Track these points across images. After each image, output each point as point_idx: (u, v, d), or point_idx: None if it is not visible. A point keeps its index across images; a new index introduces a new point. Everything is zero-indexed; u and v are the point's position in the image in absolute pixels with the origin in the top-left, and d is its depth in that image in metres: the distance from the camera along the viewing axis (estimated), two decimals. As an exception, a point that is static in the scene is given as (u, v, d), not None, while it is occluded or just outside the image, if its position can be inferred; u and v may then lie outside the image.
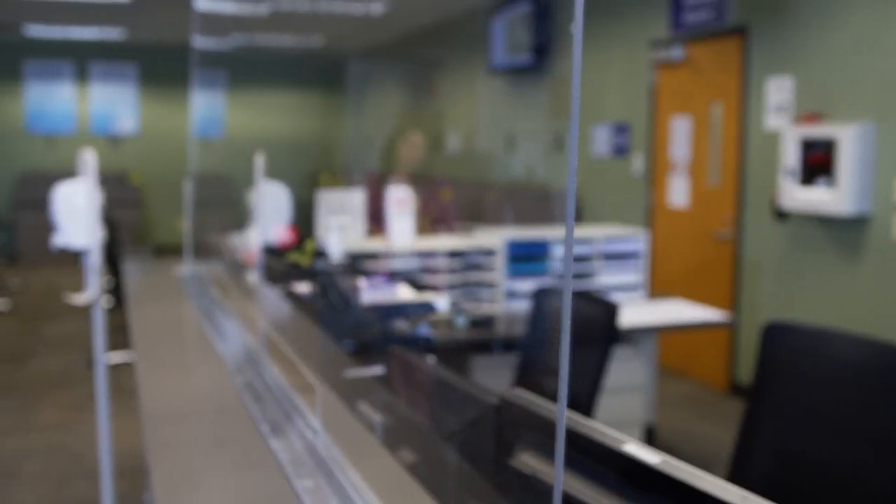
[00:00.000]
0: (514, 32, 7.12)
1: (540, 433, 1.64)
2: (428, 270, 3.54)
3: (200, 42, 4.43)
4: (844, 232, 4.48)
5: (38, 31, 11.25)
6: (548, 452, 1.60)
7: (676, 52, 5.74)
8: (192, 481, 1.59)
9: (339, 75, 10.59)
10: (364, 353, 2.27)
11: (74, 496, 4.12)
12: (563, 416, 1.01)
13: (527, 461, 1.62)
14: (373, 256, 3.23)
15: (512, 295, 3.76)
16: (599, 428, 1.40)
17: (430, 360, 2.30)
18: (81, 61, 12.40)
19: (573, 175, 0.96)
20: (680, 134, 5.82)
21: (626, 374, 3.82)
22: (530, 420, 1.67)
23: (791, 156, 4.60)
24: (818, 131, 4.48)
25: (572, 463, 1.48)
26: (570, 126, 0.95)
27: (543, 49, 6.86)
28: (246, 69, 11.60)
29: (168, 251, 11.78)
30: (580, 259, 3.89)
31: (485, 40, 7.38)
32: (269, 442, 1.73)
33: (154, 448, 1.72)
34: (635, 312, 3.71)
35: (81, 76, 12.46)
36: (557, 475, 0.98)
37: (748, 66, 5.15)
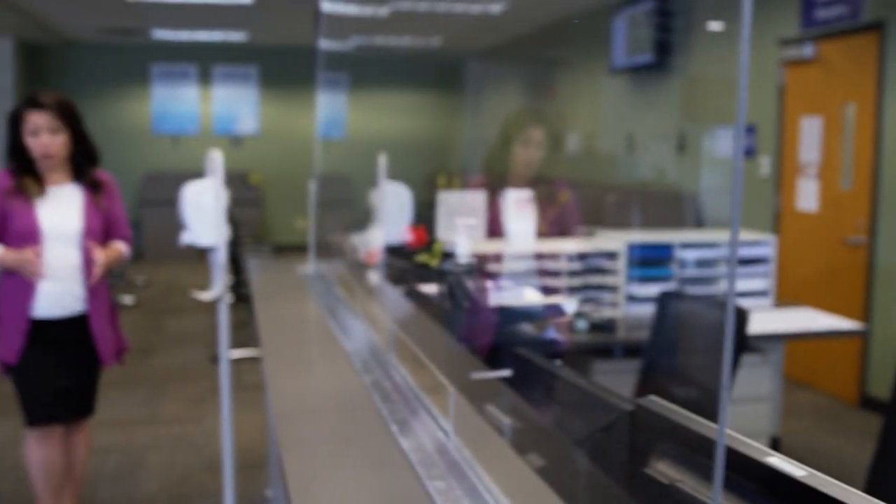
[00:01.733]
0: (635, 30, 7.00)
1: (677, 442, 1.58)
2: (547, 273, 3.50)
3: (325, 44, 4.48)
4: None
5: (163, 34, 11.63)
6: (686, 462, 1.54)
7: (807, 51, 5.54)
8: (325, 478, 1.59)
9: (455, 76, 10.65)
10: (490, 354, 2.25)
11: (197, 487, 4.23)
12: (724, 434, 0.96)
13: (663, 470, 1.56)
14: (492, 259, 3.20)
15: (633, 299, 3.68)
16: (741, 439, 1.34)
17: (558, 363, 2.26)
18: (205, 63, 12.76)
19: (739, 180, 0.91)
20: (810, 135, 5.61)
21: (751, 384, 3.70)
22: (667, 428, 1.62)
23: (931, 158, 4.39)
24: (962, 133, 4.26)
25: (713, 474, 1.43)
26: (736, 129, 0.90)
27: (667, 47, 6.73)
28: (365, 70, 11.75)
29: (286, 250, 12.05)
30: (705, 264, 3.78)
31: (606, 39, 7.28)
32: (399, 441, 1.72)
33: (286, 444, 1.73)
34: (762, 320, 3.59)
35: (205, 78, 12.83)
36: (716, 496, 0.93)
37: (885, 64, 4.93)
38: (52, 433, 3.34)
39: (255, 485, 4.23)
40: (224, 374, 3.56)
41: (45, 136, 3.14)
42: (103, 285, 3.39)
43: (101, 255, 3.21)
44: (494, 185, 3.58)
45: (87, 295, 3.28)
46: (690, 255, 3.72)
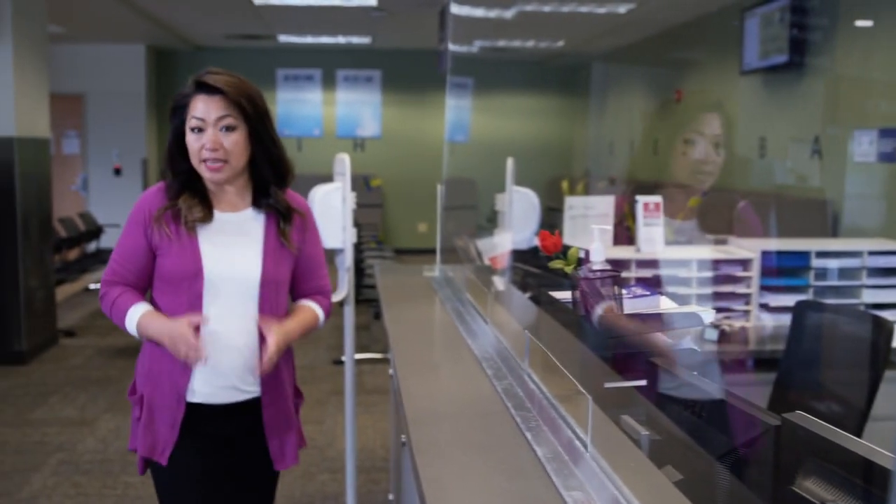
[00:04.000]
0: (769, 30, 6.80)
1: (827, 460, 1.52)
2: (677, 281, 3.41)
3: (453, 48, 4.49)
4: None
5: (289, 38, 11.90)
6: (837, 481, 1.47)
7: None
8: (459, 483, 1.58)
9: (579, 79, 10.54)
10: (624, 363, 2.20)
11: (318, 488, 4.28)
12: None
13: (812, 489, 1.50)
14: (624, 266, 3.15)
15: (766, 309, 3.56)
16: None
17: (695, 374, 2.20)
18: (329, 67, 13.01)
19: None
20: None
21: (891, 401, 3.53)
22: (816, 445, 1.55)
23: None
24: None
25: (870, 497, 1.37)
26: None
27: (803, 46, 6.50)
28: (488, 74, 11.76)
29: (406, 253, 12.12)
30: (844, 273, 3.63)
31: (736, 39, 7.10)
32: (534, 449, 1.70)
33: (419, 448, 1.73)
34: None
35: (329, 81, 13.08)
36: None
37: None
38: None
39: (375, 488, 4.27)
40: (349, 376, 3.60)
41: (209, 133, 2.18)
42: (285, 357, 2.36)
43: (275, 338, 2.19)
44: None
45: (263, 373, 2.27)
46: (829, 263, 3.58)
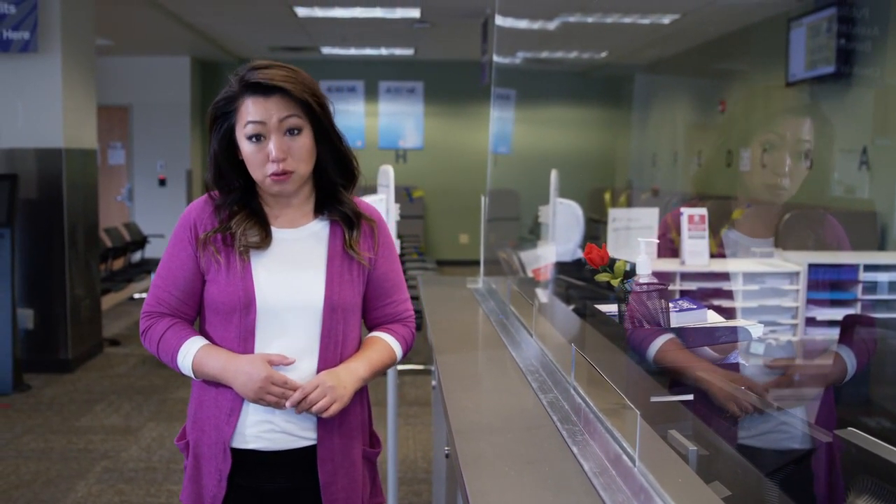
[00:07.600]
0: (815, 40, 6.73)
1: (880, 477, 1.49)
2: (720, 294, 3.38)
3: (497, 59, 4.50)
4: None
5: (332, 50, 12.00)
6: (889, 498, 1.45)
7: None
8: (507, 497, 1.58)
9: (621, 90, 10.50)
10: (671, 376, 2.19)
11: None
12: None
13: (864, 508, 1.48)
14: (669, 278, 3.12)
15: (813, 322, 3.51)
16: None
17: (743, 389, 2.17)
18: (371, 79, 13.10)
19: None
20: None
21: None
22: (869, 462, 1.53)
23: None
24: None
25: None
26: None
27: (851, 57, 6.42)
28: (529, 85, 11.75)
29: (447, 265, 12.09)
30: (892, 287, 3.57)
31: (782, 49, 7.03)
32: (581, 464, 1.69)
33: (465, 461, 1.72)
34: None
35: (371, 93, 13.16)
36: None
37: None
38: None
39: (417, 500, 4.26)
40: (391, 387, 3.61)
41: (274, 140, 1.85)
42: (355, 399, 1.98)
43: (320, 387, 1.87)
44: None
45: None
46: (878, 277, 3.52)
